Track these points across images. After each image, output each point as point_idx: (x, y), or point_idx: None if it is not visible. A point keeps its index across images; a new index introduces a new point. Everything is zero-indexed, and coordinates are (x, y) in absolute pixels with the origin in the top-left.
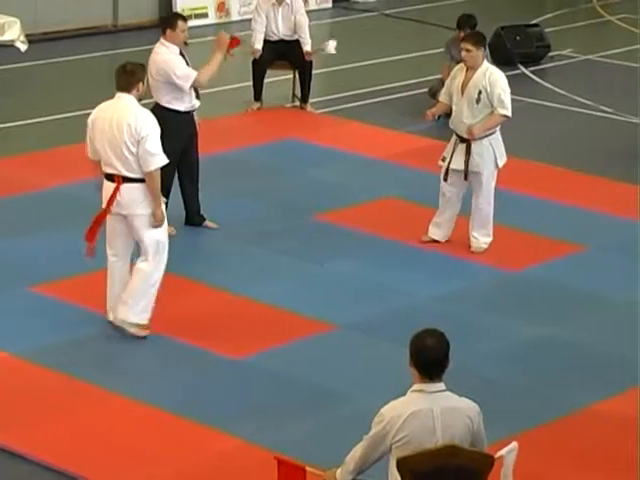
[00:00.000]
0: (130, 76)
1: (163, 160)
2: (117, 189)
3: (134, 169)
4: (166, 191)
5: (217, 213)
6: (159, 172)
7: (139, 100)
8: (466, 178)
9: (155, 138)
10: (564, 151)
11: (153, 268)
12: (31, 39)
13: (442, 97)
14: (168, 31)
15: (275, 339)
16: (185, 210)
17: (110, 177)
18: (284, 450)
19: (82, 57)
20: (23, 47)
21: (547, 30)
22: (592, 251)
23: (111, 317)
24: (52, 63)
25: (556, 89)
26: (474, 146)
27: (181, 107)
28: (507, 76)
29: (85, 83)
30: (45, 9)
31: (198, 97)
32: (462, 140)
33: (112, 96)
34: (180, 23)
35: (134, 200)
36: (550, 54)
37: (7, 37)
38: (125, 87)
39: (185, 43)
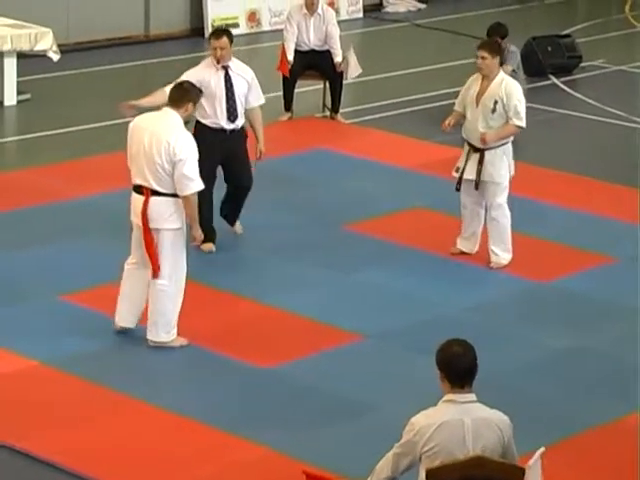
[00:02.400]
0: (184, 93)
1: (199, 185)
2: (146, 202)
3: (165, 184)
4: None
5: (247, 222)
6: (196, 196)
7: (185, 122)
8: (477, 188)
9: (192, 162)
10: (595, 162)
11: (172, 287)
12: (63, 49)
13: (457, 107)
14: None
15: (303, 349)
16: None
17: (138, 189)
18: (311, 460)
19: (114, 67)
20: (55, 57)
21: (579, 41)
22: (621, 263)
23: (121, 324)
24: (84, 73)
25: (587, 100)
26: (488, 156)
27: (207, 122)
28: (538, 87)
29: (116, 93)
30: (77, 19)
31: (231, 119)
32: (475, 150)
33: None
34: (211, 40)
35: (161, 214)
36: (582, 65)
37: (40, 47)
38: (175, 102)
39: (217, 61)
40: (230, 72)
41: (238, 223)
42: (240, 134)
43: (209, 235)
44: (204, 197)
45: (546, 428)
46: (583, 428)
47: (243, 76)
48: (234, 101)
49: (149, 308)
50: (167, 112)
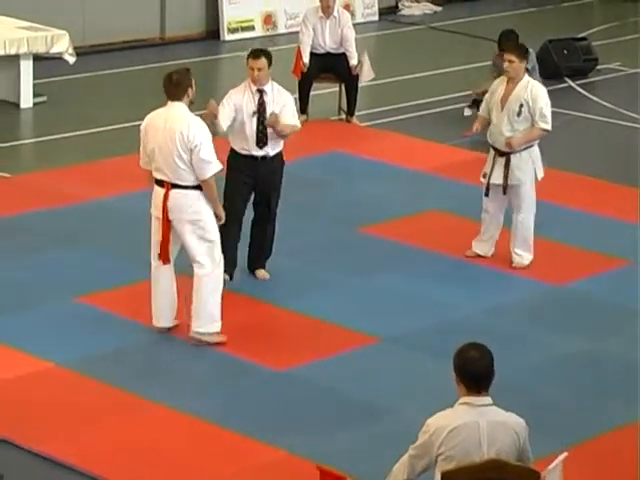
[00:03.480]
0: (177, 87)
1: (218, 166)
2: (166, 195)
3: (183, 178)
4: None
5: None
6: (215, 179)
7: (191, 104)
8: (505, 192)
9: (208, 145)
10: (611, 165)
11: (211, 271)
12: (79, 52)
13: (482, 112)
14: None
15: (319, 351)
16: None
17: (160, 183)
18: (327, 462)
19: (130, 69)
20: (71, 59)
21: (595, 43)
22: (636, 266)
23: (159, 325)
24: (100, 75)
25: (603, 102)
26: (514, 159)
27: (237, 148)
28: (554, 89)
29: (132, 95)
30: (93, 22)
31: (259, 145)
32: (501, 154)
33: (159, 108)
34: (249, 60)
35: (182, 206)
36: (598, 67)
37: (56, 50)
38: (174, 96)
39: (253, 82)
40: (265, 97)
41: (263, 270)
42: (273, 161)
43: (228, 268)
44: (229, 231)
45: (559, 432)
46: (596, 432)
47: (278, 101)
48: (265, 127)
49: (192, 299)
50: (172, 105)
